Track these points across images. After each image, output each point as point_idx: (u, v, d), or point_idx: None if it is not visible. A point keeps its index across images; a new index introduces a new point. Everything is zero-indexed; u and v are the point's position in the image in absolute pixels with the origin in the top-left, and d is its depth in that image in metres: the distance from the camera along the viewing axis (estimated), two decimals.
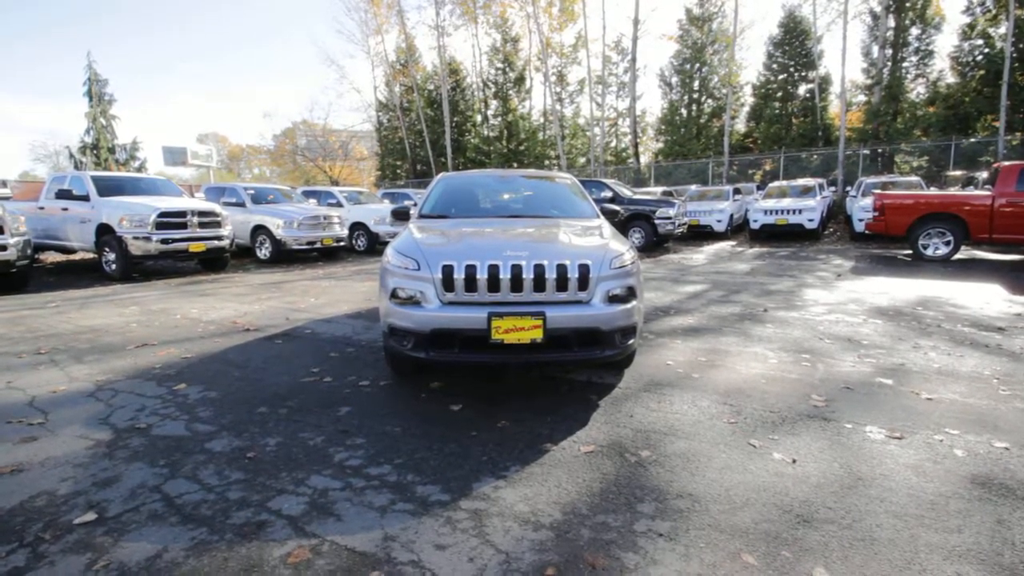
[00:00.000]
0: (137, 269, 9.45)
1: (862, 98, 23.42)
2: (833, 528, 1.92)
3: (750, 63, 33.24)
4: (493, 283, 2.90)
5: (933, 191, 12.21)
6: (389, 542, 1.84)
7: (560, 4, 26.61)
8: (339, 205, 13.26)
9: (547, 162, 28.81)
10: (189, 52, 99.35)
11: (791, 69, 23.71)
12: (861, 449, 2.55)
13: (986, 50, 19.32)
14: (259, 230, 10.98)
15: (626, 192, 13.13)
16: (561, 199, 4.53)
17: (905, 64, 21.29)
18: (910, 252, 10.45)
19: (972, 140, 19.23)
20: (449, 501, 2.09)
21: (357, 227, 12.99)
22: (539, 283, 2.90)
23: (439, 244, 3.23)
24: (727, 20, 24.58)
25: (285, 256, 10.97)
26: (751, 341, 4.56)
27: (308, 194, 13.39)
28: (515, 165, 29.34)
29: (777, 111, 23.56)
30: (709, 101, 25.80)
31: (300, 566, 1.72)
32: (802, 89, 23.72)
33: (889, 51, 21.02)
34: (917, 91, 21.55)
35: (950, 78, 20.61)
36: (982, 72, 19.28)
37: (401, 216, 4.39)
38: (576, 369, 3.73)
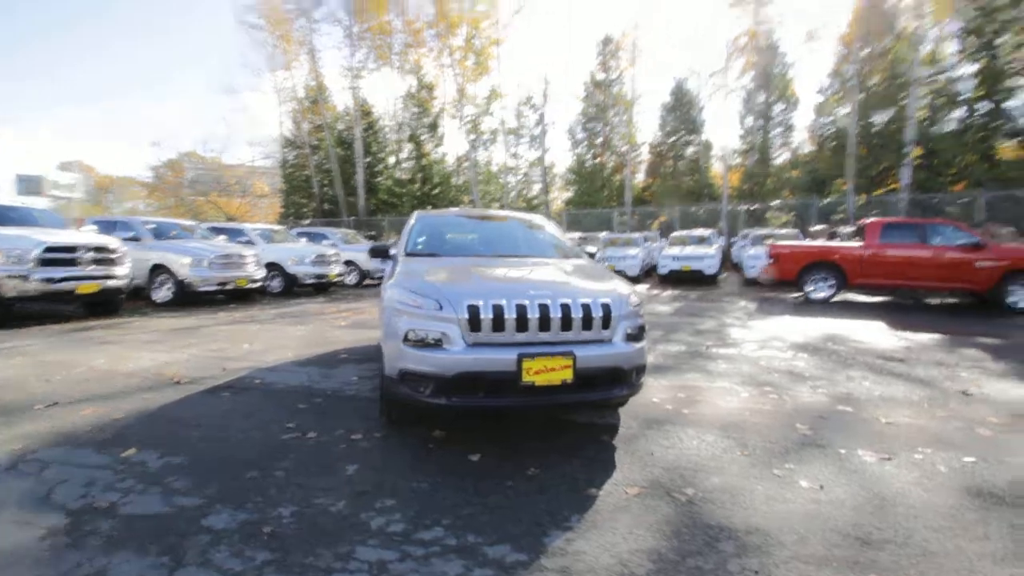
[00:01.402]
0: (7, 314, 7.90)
1: (739, 160, 26.87)
2: (893, 547, 2.04)
3: (647, 125, 36.79)
4: (522, 323, 2.82)
5: (808, 242, 14.14)
6: None
7: (475, 59, 27.77)
8: (251, 243, 12.25)
9: (461, 207, 29.19)
10: (58, 69, 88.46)
11: (681, 132, 26.71)
12: (865, 472, 2.78)
13: (834, 126, 23.26)
14: (159, 269, 9.76)
15: None
16: (545, 240, 4.59)
17: (772, 134, 24.91)
18: (798, 294, 11.89)
19: (827, 200, 22.74)
20: (529, 561, 1.93)
21: (271, 268, 12.05)
22: (566, 323, 2.88)
23: (454, 283, 3.09)
24: (627, 87, 27.27)
25: (189, 298, 9.82)
26: (713, 377, 4.84)
27: (214, 231, 12.23)
28: (428, 208, 29.39)
29: (670, 169, 26.24)
30: (612, 156, 28.07)
31: None
32: (690, 150, 26.75)
33: (760, 122, 24.51)
34: (783, 157, 25.22)
35: (808, 147, 24.44)
36: (832, 143, 23.13)
37: (380, 254, 4.17)
38: (574, 411, 3.69)
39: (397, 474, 2.68)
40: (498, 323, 2.81)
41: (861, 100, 22.39)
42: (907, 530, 2.17)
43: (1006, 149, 20.89)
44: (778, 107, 24.76)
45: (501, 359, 2.74)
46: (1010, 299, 9.45)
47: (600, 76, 28.15)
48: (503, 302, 2.84)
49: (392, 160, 30.46)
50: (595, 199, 26.64)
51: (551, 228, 4.88)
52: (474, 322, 2.80)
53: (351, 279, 14.60)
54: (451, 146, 40.00)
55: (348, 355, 5.64)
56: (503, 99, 26.57)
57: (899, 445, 3.16)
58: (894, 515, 2.30)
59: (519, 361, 2.72)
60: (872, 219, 11.31)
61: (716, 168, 26.98)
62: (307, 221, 29.11)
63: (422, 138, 29.66)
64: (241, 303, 10.62)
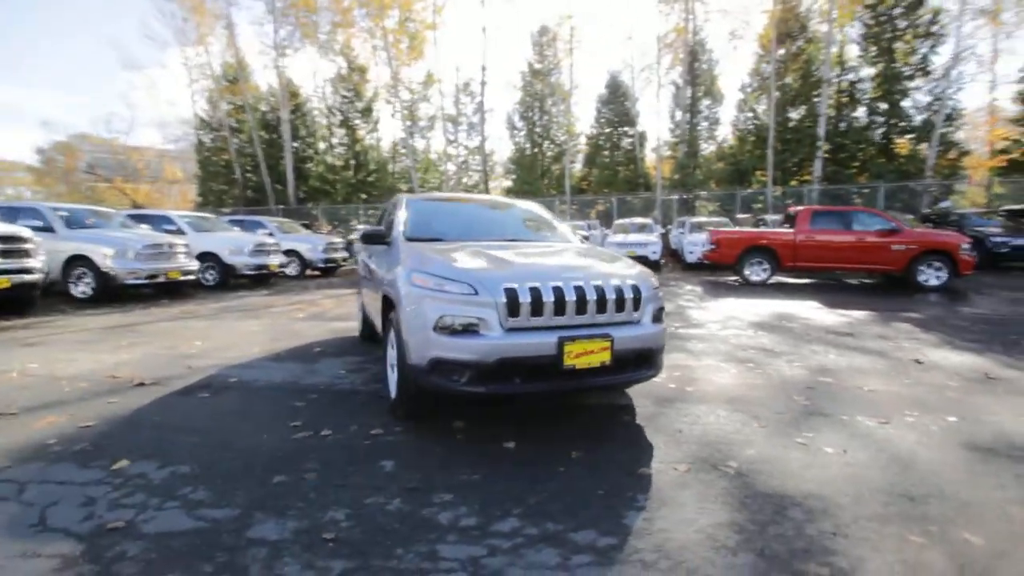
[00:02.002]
0: None
1: (670, 152, 28.08)
2: (935, 500, 2.21)
3: (585, 115, 37.32)
4: (559, 306, 2.75)
5: (747, 228, 15.08)
6: None
7: (409, 42, 26.87)
8: (180, 232, 11.18)
9: (442, 192, 28.41)
10: None
11: (616, 124, 27.46)
12: (872, 436, 2.99)
13: (755, 121, 24.87)
14: (76, 261, 8.66)
15: None
16: (541, 224, 4.52)
17: (700, 127, 26.23)
18: (736, 278, 12.66)
19: (749, 191, 24.34)
20: (620, 543, 1.89)
21: (204, 258, 11.08)
22: (601, 305, 2.85)
23: (484, 267, 2.95)
24: (564, 77, 27.58)
25: (112, 293, 8.82)
26: (697, 356, 5.03)
27: (135, 219, 11.01)
28: (363, 196, 28.27)
29: (607, 159, 26.94)
30: (551, 146, 28.35)
31: None
32: (625, 142, 27.58)
33: (689, 116, 25.71)
34: (710, 149, 26.65)
35: (731, 141, 25.97)
36: (753, 138, 24.74)
37: (375, 239, 3.92)
38: (585, 394, 3.69)
39: (439, 468, 2.54)
40: (536, 307, 2.73)
41: (778, 98, 24.10)
42: (936, 485, 2.36)
43: (902, 144, 23.35)
44: (705, 102, 26.14)
45: (542, 343, 2.67)
46: (920, 277, 10.60)
47: (538, 65, 28.26)
48: (539, 285, 2.76)
49: (323, 145, 28.92)
50: (535, 188, 26.83)
51: (541, 212, 4.83)
52: (512, 306, 2.70)
53: (292, 270, 13.77)
54: (387, 132, 38.71)
55: (323, 348, 5.31)
56: (440, 85, 26.00)
57: (888, 410, 3.44)
58: (918, 472, 2.50)
59: (560, 344, 2.66)
60: (802, 207, 12.24)
61: (650, 159, 28.05)
62: (228, 210, 27.08)
63: (355, 123, 28.38)
64: (173, 298, 9.69)
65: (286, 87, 25.44)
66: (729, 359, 4.88)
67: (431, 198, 4.67)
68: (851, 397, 3.73)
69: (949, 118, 22.08)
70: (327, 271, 15.16)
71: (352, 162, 28.33)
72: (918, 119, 22.86)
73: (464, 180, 29.66)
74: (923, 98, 22.81)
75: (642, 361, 3.00)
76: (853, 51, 24.75)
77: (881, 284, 12.02)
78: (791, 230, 11.83)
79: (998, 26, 23.20)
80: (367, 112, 28.70)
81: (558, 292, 2.76)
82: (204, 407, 3.50)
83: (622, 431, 3.06)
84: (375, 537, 1.93)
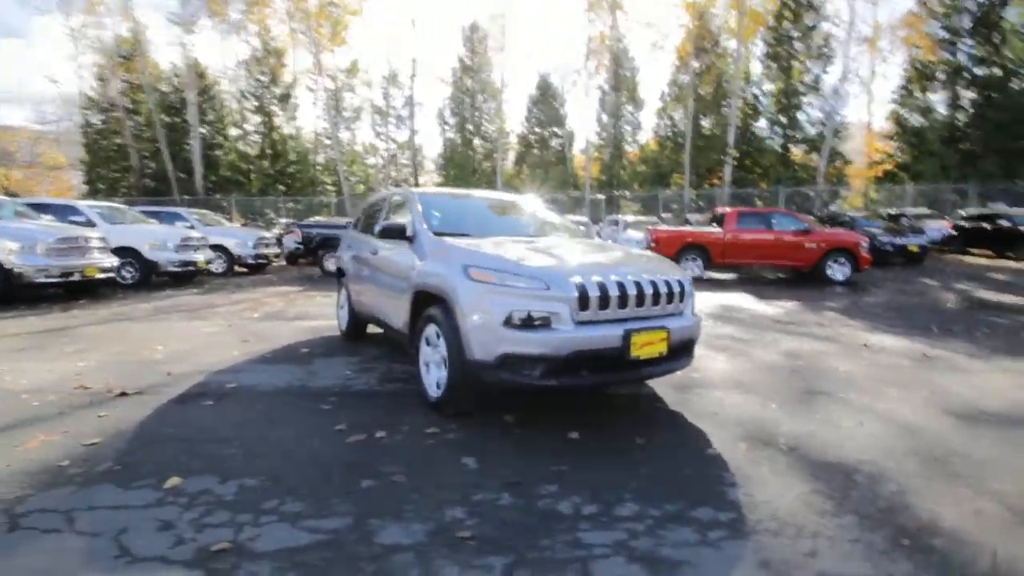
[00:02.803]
0: None
1: (596, 154, 29.25)
2: (958, 460, 2.60)
3: (516, 114, 37.42)
4: (623, 299, 2.86)
5: (685, 227, 16.10)
6: (775, 566, 1.73)
7: (332, 27, 25.59)
8: (90, 224, 9.87)
9: (322, 187, 26.99)
10: None
11: (546, 124, 28.09)
12: (873, 409, 3.40)
13: (673, 128, 26.59)
14: None
15: None
16: (551, 219, 4.59)
17: (624, 131, 27.56)
18: None
19: (669, 192, 26.02)
20: (741, 516, 2.05)
21: (122, 253, 9.89)
22: (656, 298, 2.99)
23: (547, 262, 2.98)
24: (495, 75, 27.70)
25: (15, 294, 7.63)
26: None
27: (35, 208, 9.54)
28: (281, 188, 26.59)
29: (537, 158, 27.48)
30: (483, 143, 28.38)
31: None
32: (555, 142, 28.31)
33: (614, 120, 26.93)
34: (633, 152, 28.08)
35: (652, 145, 27.56)
36: (671, 143, 26.44)
37: (395, 234, 3.79)
38: (612, 386, 3.82)
39: (523, 461, 2.55)
40: (604, 301, 2.81)
41: (693, 107, 25.98)
42: (948, 447, 2.77)
43: (797, 154, 26.13)
44: (628, 107, 27.53)
45: (610, 335, 2.76)
46: (828, 272, 11.98)
47: (468, 62, 28.15)
48: (604, 280, 2.85)
49: (235, 132, 26.76)
50: (467, 184, 26.72)
51: (543, 208, 4.90)
52: (583, 300, 2.77)
53: (218, 267, 12.67)
54: (308, 121, 36.51)
55: (309, 349, 5.01)
56: (368, 75, 25.05)
57: (869, 387, 3.92)
58: (927, 438, 2.91)
59: (627, 336, 2.77)
60: (729, 209, 13.34)
61: (579, 159, 29.00)
62: (121, 199, 24.23)
63: (272, 109, 26.55)
64: (91, 298, 8.57)
65: (193, 67, 23.20)
66: (710, 347, 5.25)
67: (441, 193, 4.57)
68: (833, 378, 4.19)
69: (836, 132, 25.05)
70: (257, 268, 14.13)
71: (269, 151, 26.49)
72: (811, 132, 25.71)
73: (393, 174, 28.87)
74: (815, 113, 25.71)
75: (684, 350, 3.20)
76: (758, 67, 27.28)
77: (792, 278, 13.41)
78: (720, 230, 12.85)
79: (875, 52, 26.66)
80: (285, 98, 26.97)
81: (621, 287, 2.87)
82: (219, 416, 3.20)
83: (666, 417, 3.23)
84: (511, 532, 1.93)
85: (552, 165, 27.68)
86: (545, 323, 2.73)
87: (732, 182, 25.44)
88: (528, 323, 2.72)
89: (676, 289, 3.11)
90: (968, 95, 24.93)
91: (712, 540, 1.88)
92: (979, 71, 24.48)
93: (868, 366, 4.58)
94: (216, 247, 12.49)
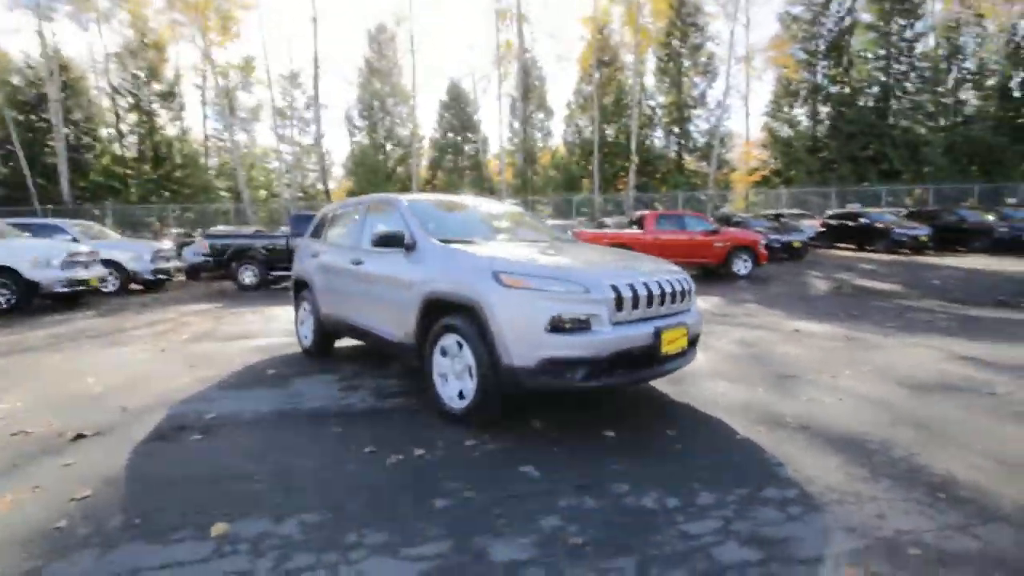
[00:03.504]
0: None
1: (509, 160, 29.75)
2: (938, 424, 3.04)
3: (429, 119, 36.34)
4: (650, 299, 2.99)
5: (607, 230, 16.88)
6: (861, 531, 1.92)
7: (221, 21, 23.56)
8: None
9: (216, 194, 24.68)
10: None
11: (459, 129, 28.06)
12: (840, 387, 3.85)
13: (580, 135, 27.83)
14: None
15: None
16: (541, 224, 4.63)
17: (536, 137, 28.35)
18: None
19: (579, 197, 27.19)
20: (804, 492, 2.24)
21: None
22: (675, 297, 3.16)
23: (578, 265, 3.02)
24: (406, 78, 27.13)
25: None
26: None
27: None
28: (167, 195, 23.95)
29: (451, 163, 27.37)
30: (394, 147, 27.65)
31: None
32: (469, 147, 28.37)
33: (525, 127, 27.61)
34: (545, 159, 28.96)
35: (562, 152, 28.64)
36: (579, 150, 27.67)
37: (393, 242, 3.62)
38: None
39: (577, 463, 2.58)
40: (635, 301, 2.92)
41: (598, 117, 27.44)
42: (923, 415, 3.22)
43: (690, 161, 28.57)
44: (539, 115, 28.39)
45: (643, 334, 2.88)
46: (735, 267, 13.25)
47: (377, 64, 27.32)
48: (633, 281, 2.96)
49: (107, 133, 23.65)
50: (380, 189, 25.90)
51: (526, 213, 4.95)
52: (619, 301, 2.85)
53: (111, 285, 11.13)
54: (196, 122, 33.08)
55: (276, 370, 4.61)
56: (267, 73, 23.36)
57: (824, 367, 4.43)
58: (900, 408, 3.36)
59: (657, 334, 2.91)
60: (648, 212, 14.27)
61: (493, 164, 29.30)
62: None
63: (153, 108, 23.84)
64: None
65: (54, 58, 20.16)
66: None
67: (426, 200, 4.41)
68: (790, 361, 4.68)
69: (722, 141, 27.77)
70: (154, 285, 12.60)
71: (150, 155, 23.72)
72: (701, 141, 28.27)
73: (299, 180, 27.18)
74: (704, 124, 28.31)
75: (692, 345, 3.41)
76: (653, 81, 29.44)
77: (701, 274, 14.66)
78: (641, 231, 13.71)
79: (751, 71, 29.90)
80: (168, 96, 24.32)
81: (647, 287, 3.00)
82: (220, 450, 2.86)
83: (680, 409, 3.41)
84: (618, 532, 1.95)
85: (467, 170, 27.73)
86: (586, 326, 2.78)
87: (635, 187, 27.21)
88: (570, 327, 2.76)
89: (687, 287, 3.32)
90: (825, 110, 28.87)
91: (796, 515, 2.05)
92: (833, 89, 28.46)
93: (811, 349, 5.16)
94: (106, 262, 10.97)
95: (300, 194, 26.08)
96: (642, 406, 3.49)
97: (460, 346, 3.10)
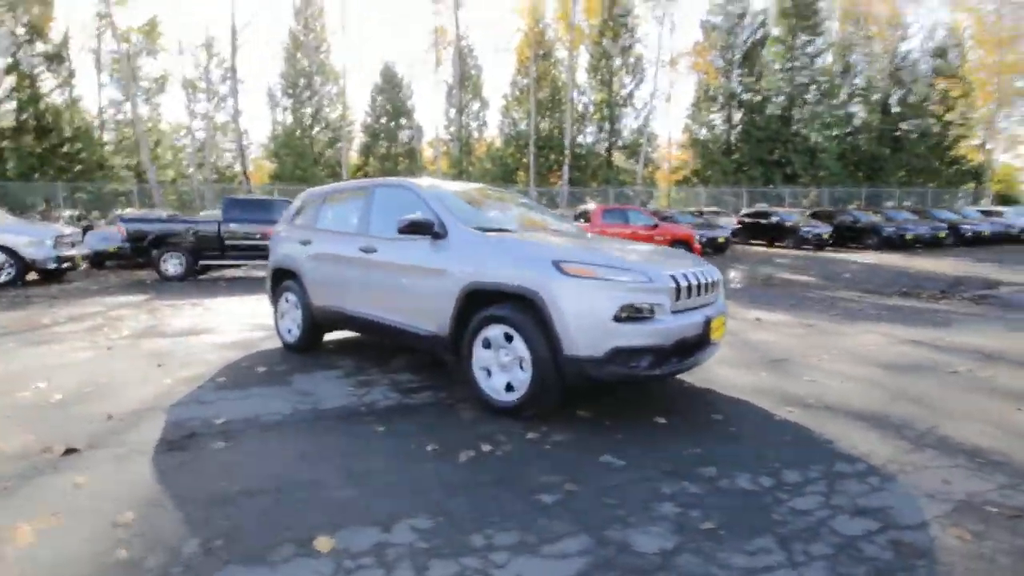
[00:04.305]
0: None
1: (445, 149, 29.24)
2: (927, 399, 3.41)
3: (361, 102, 33.95)
4: (698, 288, 3.09)
5: None
6: (938, 496, 2.12)
7: None
8: None
9: (114, 172, 21.99)
10: None
11: (393, 115, 27.06)
12: (831, 369, 4.21)
13: (515, 128, 27.95)
14: None
15: None
16: (552, 216, 4.59)
17: (472, 128, 28.07)
18: None
19: (515, 189, 27.34)
20: (869, 465, 2.44)
21: None
22: (709, 287, 3.28)
23: (634, 256, 3.04)
24: (336, 56, 25.65)
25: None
26: None
27: None
28: (51, 171, 20.97)
29: (384, 150, 26.38)
30: (322, 129, 26.10)
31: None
32: (404, 134, 27.47)
33: (462, 117, 27.23)
34: (481, 150, 28.76)
35: (498, 143, 28.60)
36: (515, 143, 27.79)
37: (419, 229, 3.43)
38: None
39: (651, 450, 2.62)
40: (688, 291, 3.00)
41: (534, 110, 27.71)
42: (911, 391, 3.61)
43: (619, 158, 29.69)
44: (475, 105, 28.10)
45: (697, 322, 2.97)
46: None
47: (303, 37, 25.57)
48: (685, 272, 3.04)
49: None
50: (307, 174, 24.41)
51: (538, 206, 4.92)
52: (678, 291, 2.92)
53: (4, 275, 9.58)
54: (90, 91, 29.01)
55: (267, 368, 4.24)
56: (181, 41, 21.05)
57: (806, 352, 4.82)
58: (891, 386, 3.73)
59: (708, 322, 3.02)
60: (595, 206, 14.68)
61: (428, 153, 28.63)
62: None
63: (37, 72, 20.70)
64: None
65: None
66: None
67: (442, 186, 4.20)
68: (770, 348, 5.04)
69: (649, 141, 29.13)
70: (55, 275, 10.99)
71: (33, 124, 20.62)
72: (630, 139, 29.46)
73: (215, 160, 24.87)
74: (633, 123, 29.52)
75: None
76: (585, 78, 30.16)
77: None
78: (588, 224, 14.07)
79: (675, 74, 31.52)
80: (56, 59, 21.21)
81: (696, 277, 3.09)
82: (260, 458, 2.58)
83: (708, 395, 3.55)
84: (741, 514, 2.01)
85: (402, 157, 26.88)
86: (650, 315, 2.82)
87: (569, 181, 27.86)
88: (637, 316, 2.78)
89: (718, 278, 3.46)
90: (738, 115, 31.20)
91: (878, 486, 2.23)
92: (745, 96, 30.79)
93: (781, 336, 5.59)
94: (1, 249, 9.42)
95: (215, 176, 23.86)
96: (673, 393, 3.60)
97: (508, 338, 3.02)
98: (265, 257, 11.37)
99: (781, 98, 30.96)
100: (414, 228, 3.44)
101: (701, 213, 23.18)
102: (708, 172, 30.44)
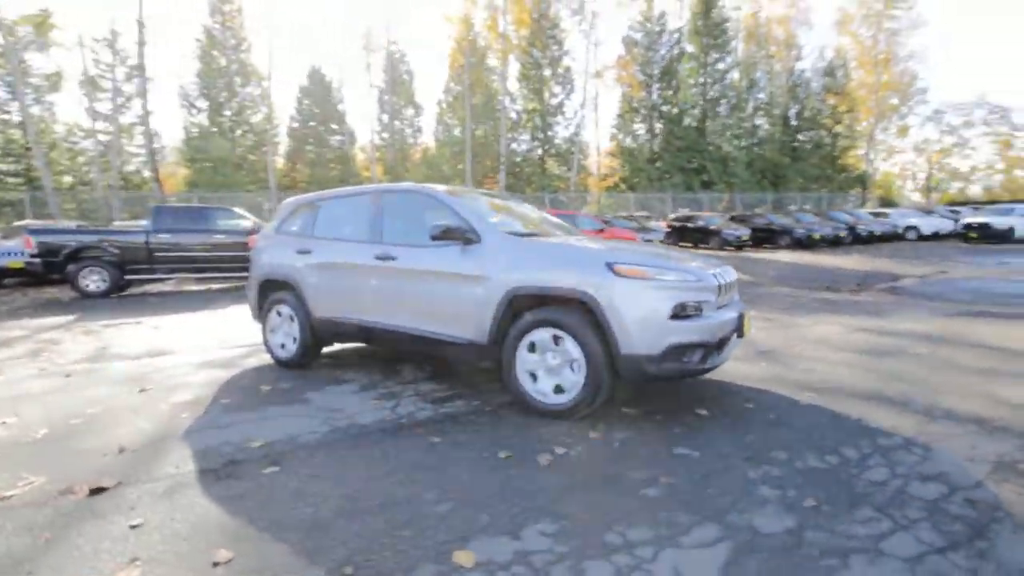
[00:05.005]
0: None
1: (378, 155, 28.46)
2: (912, 378, 3.84)
3: (286, 106, 31.41)
4: (728, 288, 3.29)
5: None
6: (977, 458, 2.42)
7: None
8: None
9: (1, 180, 19.31)
10: None
11: (322, 119, 25.94)
12: (816, 356, 4.63)
13: (448, 134, 27.82)
14: None
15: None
16: (562, 222, 4.65)
17: (406, 133, 27.58)
18: None
19: None
20: (907, 438, 2.72)
21: None
22: (733, 286, 3.50)
23: (670, 257, 3.17)
24: (260, 56, 24.15)
25: None
26: None
27: None
28: None
29: (314, 155, 25.23)
30: (244, 133, 24.45)
31: None
32: (335, 139, 26.41)
33: (396, 122, 26.68)
34: (417, 156, 28.32)
35: (434, 149, 28.31)
36: (450, 149, 27.66)
37: (454, 236, 3.38)
38: None
39: (712, 440, 2.75)
40: (724, 289, 3.19)
41: (470, 117, 27.76)
42: (896, 371, 4.04)
43: (552, 165, 30.44)
44: (409, 111, 27.62)
45: (733, 318, 3.16)
46: None
47: (219, 35, 23.85)
48: (718, 271, 3.23)
49: None
50: (229, 180, 22.76)
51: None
52: (719, 289, 3.09)
53: None
54: None
55: (270, 386, 3.95)
56: (78, 35, 18.87)
57: (783, 343, 5.23)
58: (875, 368, 4.15)
59: (742, 318, 3.23)
60: (548, 210, 14.98)
61: (361, 158, 27.71)
62: None
63: None
64: None
65: None
66: None
67: (463, 191, 4.13)
68: (752, 340, 5.43)
69: (580, 149, 30.14)
70: None
71: None
72: (562, 147, 30.31)
73: (121, 164, 22.46)
74: (564, 132, 30.40)
75: None
76: (517, 87, 30.67)
77: None
78: None
79: (603, 86, 32.83)
80: None
81: (726, 277, 3.29)
82: (327, 479, 2.42)
83: (728, 386, 3.77)
84: (828, 489, 2.18)
85: (333, 163, 25.81)
86: (699, 312, 2.97)
87: (505, 188, 28.15)
88: (688, 313, 2.92)
89: (736, 276, 3.70)
90: (659, 126, 33.09)
91: (923, 455, 2.50)
92: (664, 108, 32.73)
93: (758, 330, 6.03)
94: None
95: (121, 182, 21.57)
96: (695, 387, 3.79)
97: (557, 340, 3.06)
98: (204, 270, 10.73)
99: (696, 110, 33.23)
100: (448, 234, 3.38)
101: (632, 217, 24.35)
102: (635, 179, 31.99)
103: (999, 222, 20.29)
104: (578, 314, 3.00)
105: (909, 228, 23.62)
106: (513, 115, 29.51)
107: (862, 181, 37.66)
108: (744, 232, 21.02)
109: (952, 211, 26.81)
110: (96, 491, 2.33)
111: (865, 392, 3.54)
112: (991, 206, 25.28)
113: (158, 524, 2.05)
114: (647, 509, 2.07)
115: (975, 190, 40.61)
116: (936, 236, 23.60)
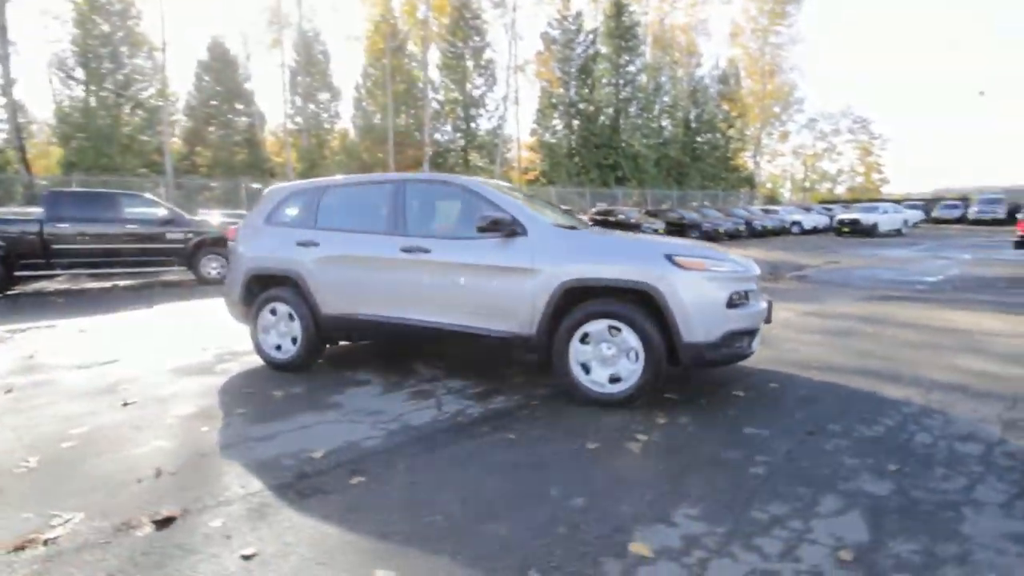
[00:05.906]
0: None
1: (292, 140, 26.49)
2: (896, 356, 4.39)
3: (184, 82, 27.49)
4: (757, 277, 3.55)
5: None
6: (988, 419, 2.85)
7: None
8: None
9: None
10: None
11: (225, 98, 23.55)
12: (802, 340, 5.12)
13: (371, 120, 26.63)
14: None
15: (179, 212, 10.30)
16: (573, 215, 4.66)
17: (322, 118, 25.96)
18: None
19: None
20: (921, 409, 3.12)
21: None
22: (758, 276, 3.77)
23: (706, 247, 3.36)
24: (152, 24, 21.27)
25: None
26: None
27: None
28: None
29: (218, 138, 22.92)
30: (133, 109, 21.48)
31: None
32: (241, 121, 24.11)
33: (310, 105, 25.00)
34: (334, 142, 26.75)
35: (352, 136, 26.93)
36: (370, 137, 26.49)
37: (499, 227, 3.30)
38: None
39: (767, 420, 2.97)
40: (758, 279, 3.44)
41: (391, 104, 26.74)
42: (865, 349, 4.58)
43: (476, 157, 30.26)
44: (324, 95, 25.95)
45: (766, 306, 3.42)
46: None
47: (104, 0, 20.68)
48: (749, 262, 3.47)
49: None
50: (114, 162, 19.96)
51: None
52: (759, 278, 3.32)
53: None
54: None
55: (283, 392, 3.63)
56: None
57: (781, 337, 5.72)
58: (847, 347, 4.69)
59: (771, 305, 3.50)
60: None
61: (272, 143, 25.61)
62: None
63: None
64: None
65: None
66: None
67: (488, 182, 3.99)
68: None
69: (504, 142, 30.28)
70: None
71: None
72: (486, 140, 30.25)
73: None
74: (487, 124, 30.35)
75: None
76: (439, 76, 30.05)
77: None
78: None
79: (524, 80, 33.15)
80: None
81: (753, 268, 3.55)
82: (425, 487, 2.30)
83: (743, 368, 4.04)
84: (897, 455, 2.45)
85: (239, 147, 23.56)
86: (747, 300, 3.18)
87: None
88: (740, 302, 3.12)
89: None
90: (576, 123, 34.19)
91: (944, 420, 2.89)
92: (581, 106, 33.86)
93: None
94: None
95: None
96: (712, 370, 4.03)
97: (613, 331, 3.12)
98: (113, 264, 9.38)
99: (611, 110, 34.78)
100: (495, 226, 3.29)
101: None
102: (555, 174, 32.82)
103: (866, 219, 23.57)
104: (637, 305, 3.08)
105: (794, 223, 26.60)
106: (436, 104, 28.94)
107: (750, 181, 41.72)
108: (659, 226, 22.43)
109: (827, 208, 30.66)
110: (163, 523, 2.01)
111: (854, 368, 3.99)
112: (857, 204, 29.30)
113: (276, 552, 1.82)
114: (767, 486, 2.20)
115: (840, 190, 46.64)
116: (815, 230, 26.82)
